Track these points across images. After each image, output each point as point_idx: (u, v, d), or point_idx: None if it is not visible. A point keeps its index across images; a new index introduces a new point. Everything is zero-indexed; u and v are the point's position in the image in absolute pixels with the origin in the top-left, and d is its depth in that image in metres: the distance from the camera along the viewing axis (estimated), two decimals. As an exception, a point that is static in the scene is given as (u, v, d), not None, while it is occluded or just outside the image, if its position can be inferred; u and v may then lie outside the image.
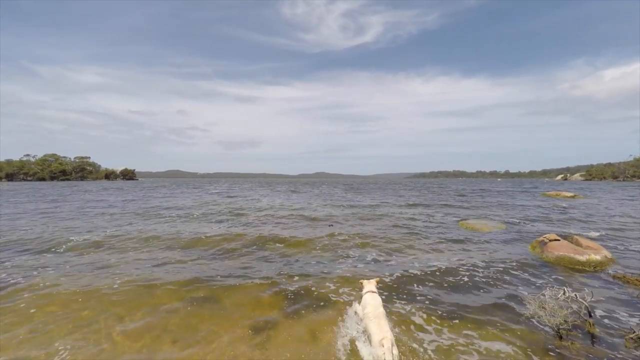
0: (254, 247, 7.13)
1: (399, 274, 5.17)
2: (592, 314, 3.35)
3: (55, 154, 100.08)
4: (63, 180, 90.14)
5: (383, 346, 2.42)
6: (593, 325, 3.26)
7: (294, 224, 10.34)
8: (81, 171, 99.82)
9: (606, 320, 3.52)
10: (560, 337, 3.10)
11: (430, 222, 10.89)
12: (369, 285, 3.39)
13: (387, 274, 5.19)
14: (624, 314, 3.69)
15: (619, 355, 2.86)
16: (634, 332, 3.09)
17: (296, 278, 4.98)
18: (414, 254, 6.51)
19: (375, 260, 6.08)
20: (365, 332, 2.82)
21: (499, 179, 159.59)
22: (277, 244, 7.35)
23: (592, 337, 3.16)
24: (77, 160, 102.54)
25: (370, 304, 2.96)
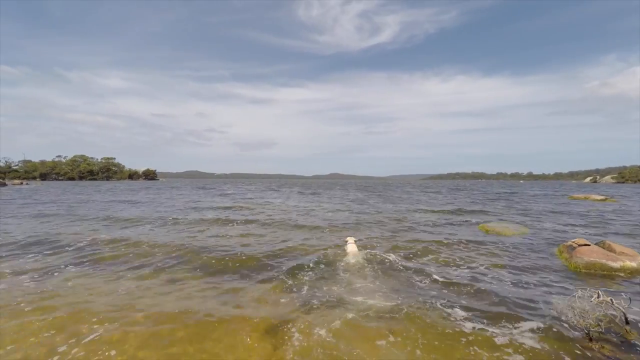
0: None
1: (422, 277, 5.14)
2: (629, 321, 3.20)
3: (84, 155, 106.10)
4: (90, 179, 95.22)
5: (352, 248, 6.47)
6: (629, 332, 3.12)
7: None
8: (107, 171, 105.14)
9: (641, 328, 3.34)
10: (590, 340, 2.99)
11: (450, 223, 10.67)
12: (351, 239, 6.81)
13: (411, 273, 5.17)
14: (663, 322, 3.49)
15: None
16: (675, 341, 2.93)
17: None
18: (433, 255, 6.42)
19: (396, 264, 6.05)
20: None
21: (521, 181, 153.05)
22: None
23: (625, 343, 3.02)
24: (104, 161, 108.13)
25: (350, 246, 6.55)
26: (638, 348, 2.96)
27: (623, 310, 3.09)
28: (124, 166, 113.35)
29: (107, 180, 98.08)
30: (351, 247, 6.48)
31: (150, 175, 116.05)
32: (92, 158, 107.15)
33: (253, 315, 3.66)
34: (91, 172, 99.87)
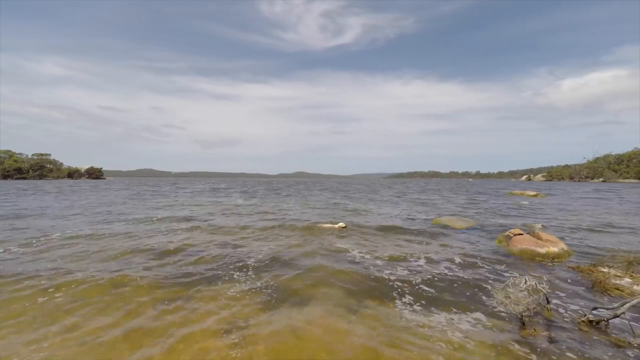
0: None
1: (376, 267, 5.24)
2: (549, 301, 3.57)
3: (10, 151, 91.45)
4: (18, 179, 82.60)
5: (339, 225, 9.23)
6: (550, 311, 3.49)
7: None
8: (40, 169, 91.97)
9: (561, 306, 3.79)
10: (523, 324, 3.28)
11: (408, 218, 11.19)
12: (340, 224, 9.16)
13: (369, 265, 5.24)
14: (577, 300, 4.01)
15: (572, 337, 3.09)
16: (585, 315, 3.34)
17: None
18: (391, 248, 6.63)
19: (358, 257, 6.11)
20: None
21: (470, 179, 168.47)
22: None
23: (550, 322, 3.38)
24: (35, 158, 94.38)
25: (338, 226, 9.04)
26: (559, 325, 3.34)
27: (545, 291, 3.44)
28: (62, 164, 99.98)
29: (40, 179, 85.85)
30: (339, 225, 9.13)
31: (94, 174, 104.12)
32: (20, 154, 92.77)
33: (210, 316, 3.39)
34: (19, 170, 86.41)
